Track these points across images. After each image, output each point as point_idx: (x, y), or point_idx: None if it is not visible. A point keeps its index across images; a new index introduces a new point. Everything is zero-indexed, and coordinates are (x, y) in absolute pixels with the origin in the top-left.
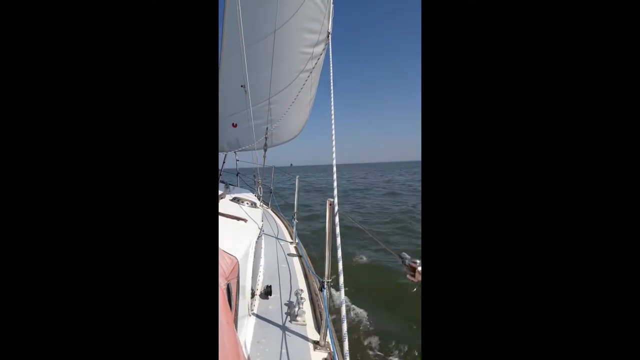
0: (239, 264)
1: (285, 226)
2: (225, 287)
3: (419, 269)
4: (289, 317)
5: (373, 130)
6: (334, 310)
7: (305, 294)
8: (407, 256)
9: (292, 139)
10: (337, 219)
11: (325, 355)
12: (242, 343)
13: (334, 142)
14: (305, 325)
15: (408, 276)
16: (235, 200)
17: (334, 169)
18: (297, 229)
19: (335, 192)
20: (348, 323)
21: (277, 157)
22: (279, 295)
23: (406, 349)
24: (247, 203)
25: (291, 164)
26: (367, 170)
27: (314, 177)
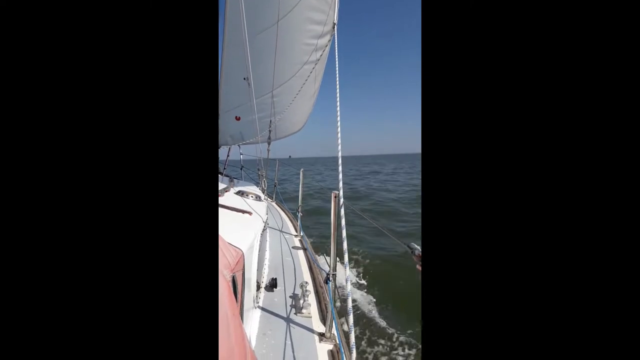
0: (244, 257)
1: (290, 219)
2: (230, 279)
3: None
4: (294, 309)
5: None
6: (340, 302)
7: (310, 287)
8: (417, 246)
9: (296, 132)
10: (342, 211)
11: (330, 347)
12: (247, 335)
13: (339, 135)
14: (310, 317)
15: (418, 266)
16: (240, 193)
17: (339, 161)
18: (301, 222)
19: (341, 184)
20: (353, 315)
21: (275, 149)
22: (284, 287)
23: (412, 340)
24: (252, 196)
25: (290, 156)
26: (363, 162)
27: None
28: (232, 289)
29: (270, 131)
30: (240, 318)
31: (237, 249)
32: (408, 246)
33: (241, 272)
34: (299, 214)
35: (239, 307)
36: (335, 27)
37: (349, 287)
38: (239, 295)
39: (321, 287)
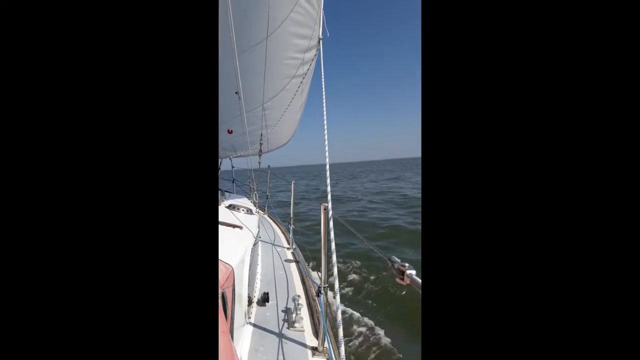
0: (234, 272)
1: (282, 232)
2: (220, 296)
3: (407, 272)
4: (286, 323)
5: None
6: (332, 315)
7: (302, 300)
8: (397, 260)
9: (285, 144)
10: (331, 224)
11: None
12: (239, 351)
13: (326, 147)
14: (303, 331)
15: (397, 279)
16: (231, 207)
17: (327, 173)
18: (293, 235)
19: (329, 196)
20: (346, 328)
21: (253, 160)
22: (276, 301)
23: (404, 352)
24: (243, 210)
25: (269, 166)
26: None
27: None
28: (221, 305)
29: (261, 144)
30: (230, 335)
31: (226, 265)
32: (389, 259)
33: (231, 288)
34: (291, 226)
35: (229, 323)
36: (321, 42)
37: (339, 300)
38: (229, 312)
39: (314, 300)
